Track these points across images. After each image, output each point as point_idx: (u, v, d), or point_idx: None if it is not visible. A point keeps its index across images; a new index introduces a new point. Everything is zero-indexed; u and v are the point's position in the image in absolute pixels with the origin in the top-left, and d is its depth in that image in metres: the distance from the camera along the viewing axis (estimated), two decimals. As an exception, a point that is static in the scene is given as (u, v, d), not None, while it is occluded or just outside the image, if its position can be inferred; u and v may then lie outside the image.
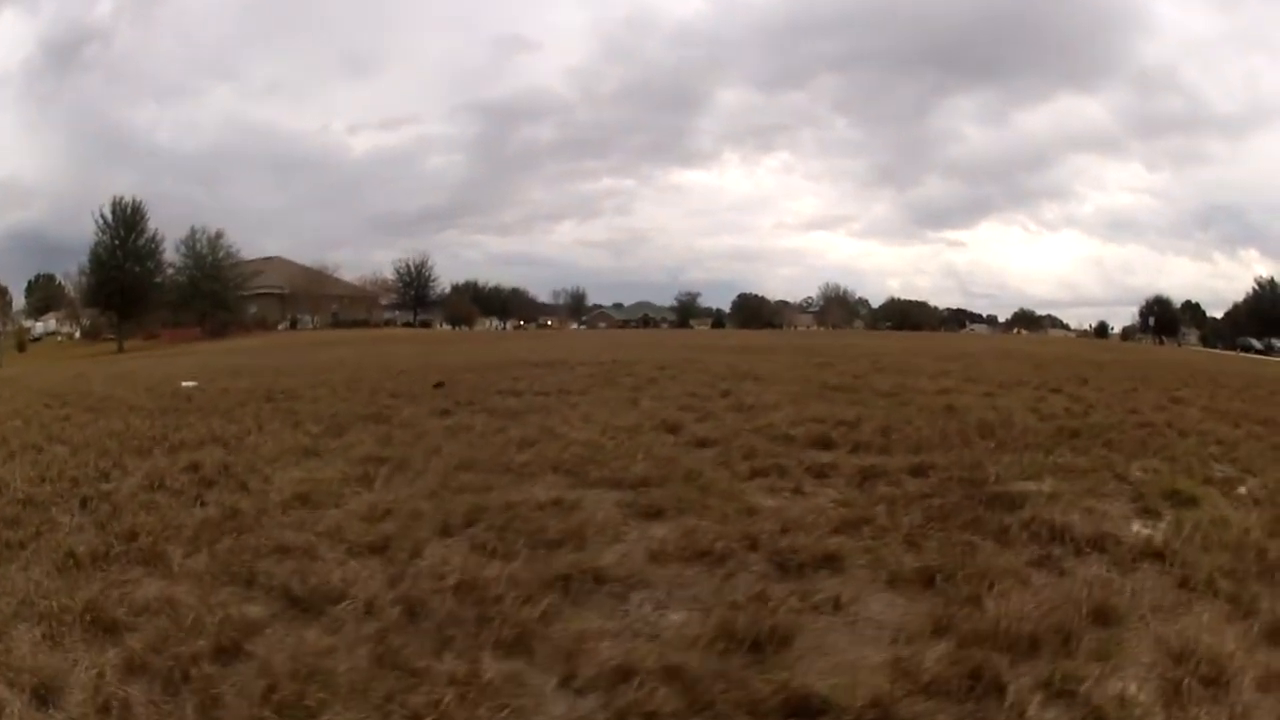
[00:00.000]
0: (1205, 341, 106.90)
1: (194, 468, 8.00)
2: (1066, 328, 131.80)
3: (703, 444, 8.75)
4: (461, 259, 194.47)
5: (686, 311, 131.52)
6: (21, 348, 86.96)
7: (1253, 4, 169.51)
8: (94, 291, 79.96)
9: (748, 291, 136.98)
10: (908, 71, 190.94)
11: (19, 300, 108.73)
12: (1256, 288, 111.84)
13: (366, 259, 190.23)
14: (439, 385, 13.82)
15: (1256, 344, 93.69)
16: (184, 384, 16.66)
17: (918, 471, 7.42)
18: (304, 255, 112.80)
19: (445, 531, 5.85)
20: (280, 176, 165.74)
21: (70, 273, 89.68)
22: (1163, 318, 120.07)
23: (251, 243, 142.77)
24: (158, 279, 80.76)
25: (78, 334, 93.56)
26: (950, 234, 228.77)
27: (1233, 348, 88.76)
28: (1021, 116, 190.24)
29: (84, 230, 78.34)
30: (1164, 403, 12.88)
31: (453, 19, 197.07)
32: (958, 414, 10.62)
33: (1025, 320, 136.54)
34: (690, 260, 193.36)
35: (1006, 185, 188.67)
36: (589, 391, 12.99)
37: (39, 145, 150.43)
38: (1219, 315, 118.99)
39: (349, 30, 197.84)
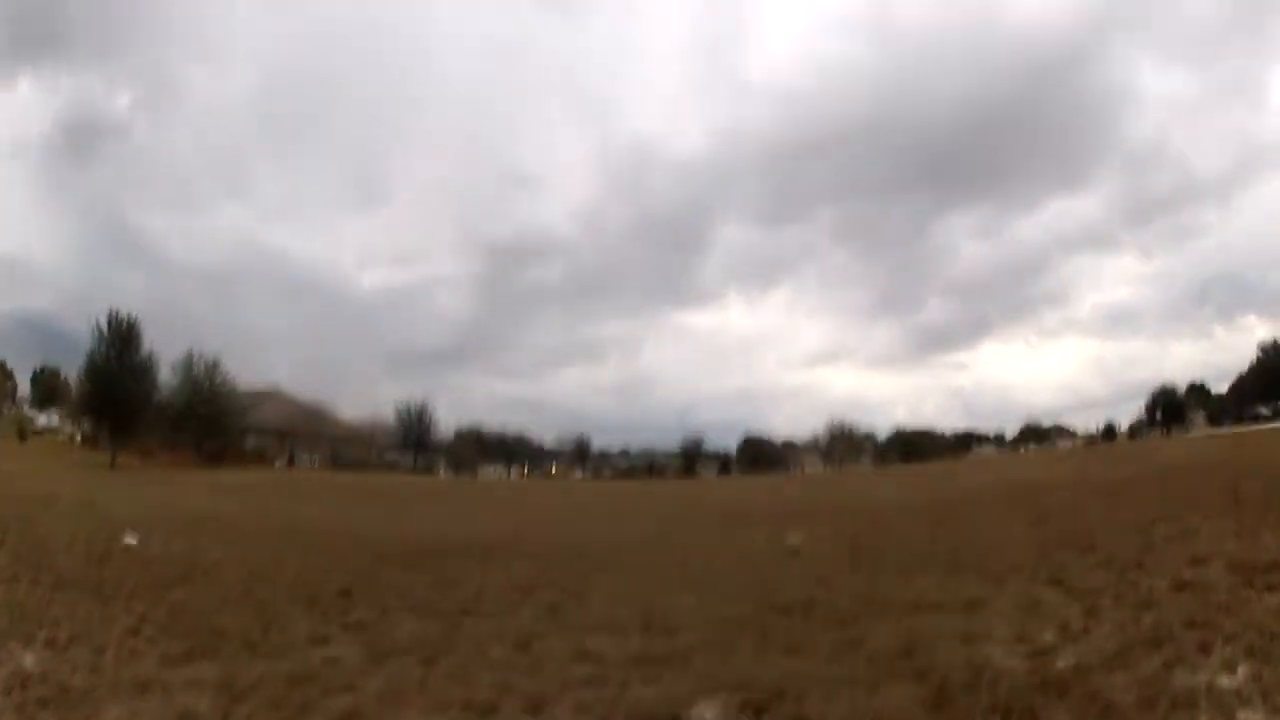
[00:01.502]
0: (1212, 421, 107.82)
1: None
2: (1073, 435, 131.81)
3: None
4: (467, 402, 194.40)
5: (693, 458, 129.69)
6: (23, 437, 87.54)
7: (1230, 56, 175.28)
8: (89, 401, 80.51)
9: (753, 433, 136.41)
10: (902, 192, 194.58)
11: (24, 387, 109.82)
12: (1260, 354, 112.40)
13: (374, 395, 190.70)
14: (345, 594, 12.97)
15: (1265, 412, 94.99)
16: (127, 539, 16.39)
17: None
18: (309, 386, 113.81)
19: None
20: (289, 302, 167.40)
21: (74, 370, 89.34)
22: (1168, 407, 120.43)
23: (255, 365, 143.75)
24: (152, 398, 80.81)
25: (78, 437, 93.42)
26: (953, 357, 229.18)
27: (1241, 421, 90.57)
28: (1016, 225, 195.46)
29: (89, 327, 78.79)
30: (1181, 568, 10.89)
31: (461, 147, 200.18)
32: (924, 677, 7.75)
33: (1032, 434, 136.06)
34: (697, 401, 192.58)
35: (1005, 298, 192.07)
36: (497, 616, 11.86)
37: (51, 228, 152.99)
38: (1224, 389, 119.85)
39: (361, 154, 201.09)
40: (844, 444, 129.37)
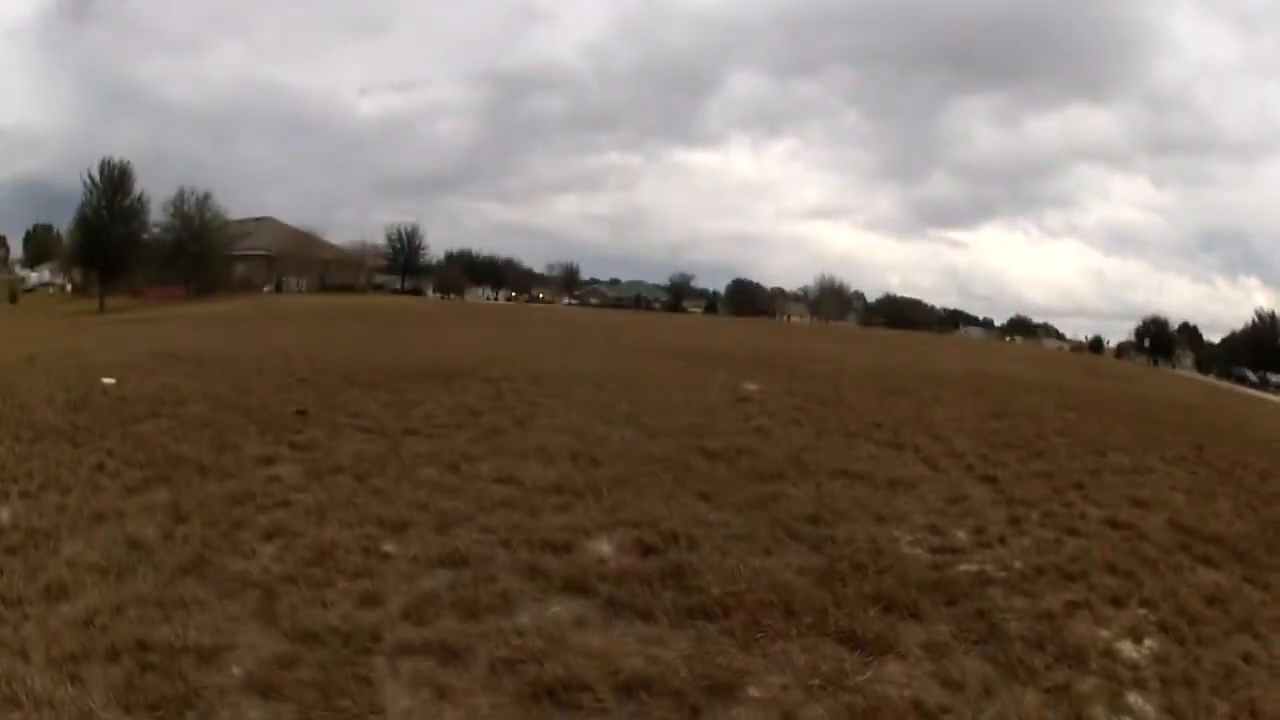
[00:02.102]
0: (1200, 367, 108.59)
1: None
2: (1062, 338, 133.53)
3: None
4: (462, 226, 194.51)
5: (679, 293, 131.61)
6: (14, 298, 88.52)
7: (1271, 32, 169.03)
8: (80, 250, 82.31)
9: (743, 277, 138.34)
10: (923, 68, 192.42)
11: (17, 249, 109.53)
12: (1256, 319, 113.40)
13: (368, 222, 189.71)
14: (300, 413, 13.30)
15: (1251, 375, 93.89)
16: (104, 380, 16.50)
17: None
18: (304, 216, 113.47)
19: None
20: (287, 135, 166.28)
21: (68, 225, 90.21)
22: (1159, 338, 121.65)
23: (252, 202, 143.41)
24: (142, 239, 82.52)
25: (69, 287, 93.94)
26: (953, 234, 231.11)
27: (1227, 376, 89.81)
28: (1032, 121, 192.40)
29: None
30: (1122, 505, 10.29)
31: None
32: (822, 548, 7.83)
33: (1021, 327, 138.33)
34: (690, 241, 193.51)
35: (1012, 189, 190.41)
36: (438, 437, 12.18)
37: (48, 94, 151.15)
38: (1216, 340, 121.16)
39: None
40: (832, 299, 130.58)
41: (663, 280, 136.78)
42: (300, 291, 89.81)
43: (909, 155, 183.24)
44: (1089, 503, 10.30)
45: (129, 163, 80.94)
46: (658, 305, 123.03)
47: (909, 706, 5.09)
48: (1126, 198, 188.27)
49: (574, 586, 6.50)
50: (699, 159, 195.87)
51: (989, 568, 7.46)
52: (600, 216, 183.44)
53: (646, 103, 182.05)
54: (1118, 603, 6.90)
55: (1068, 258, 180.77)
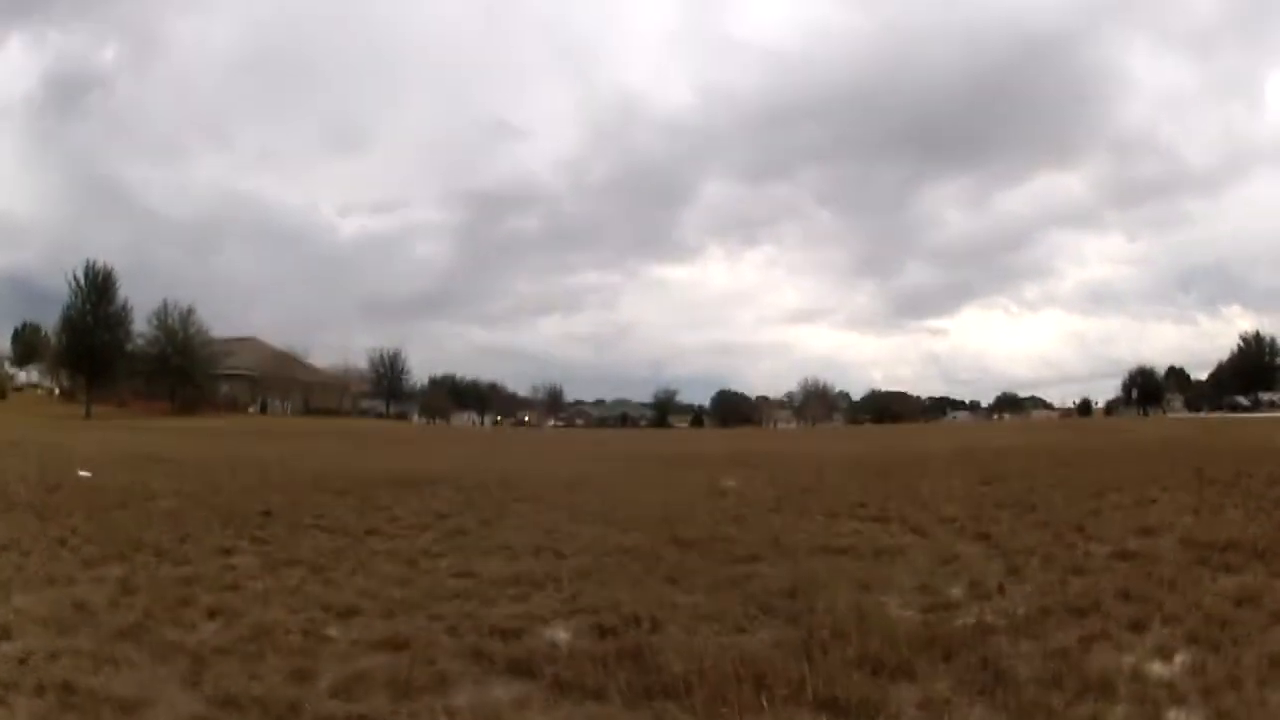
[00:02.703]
0: (1190, 406, 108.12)
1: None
2: (1050, 407, 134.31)
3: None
4: (445, 348, 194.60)
5: (665, 408, 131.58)
6: (2, 394, 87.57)
7: (1226, 52, 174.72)
8: (66, 353, 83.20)
9: (728, 388, 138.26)
10: (889, 158, 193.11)
11: (4, 345, 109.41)
12: (1241, 344, 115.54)
13: (351, 344, 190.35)
14: (266, 513, 13.46)
15: (1244, 401, 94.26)
16: (80, 472, 17.67)
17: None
18: (286, 334, 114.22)
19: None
20: (267, 251, 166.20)
21: (54, 325, 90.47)
22: (1145, 388, 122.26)
23: (234, 316, 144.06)
24: (126, 348, 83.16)
25: (56, 391, 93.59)
26: (932, 322, 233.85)
27: (1219, 409, 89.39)
28: (1001, 198, 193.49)
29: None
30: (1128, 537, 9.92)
31: (445, 100, 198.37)
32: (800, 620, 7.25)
33: (1008, 404, 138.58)
34: (672, 355, 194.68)
35: (987, 268, 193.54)
36: (401, 537, 11.66)
37: (35, 185, 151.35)
38: (1204, 377, 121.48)
39: (342, 103, 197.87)
40: (818, 401, 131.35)
41: (647, 398, 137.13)
42: (285, 413, 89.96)
43: (882, 248, 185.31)
44: (1092, 541, 9.87)
45: (112, 268, 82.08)
46: (644, 422, 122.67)
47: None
48: (1101, 255, 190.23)
49: (519, 669, 6.04)
50: (677, 273, 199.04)
51: (989, 618, 6.85)
52: (582, 336, 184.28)
53: (622, 217, 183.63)
54: (1138, 627, 6.42)
55: (1047, 327, 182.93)
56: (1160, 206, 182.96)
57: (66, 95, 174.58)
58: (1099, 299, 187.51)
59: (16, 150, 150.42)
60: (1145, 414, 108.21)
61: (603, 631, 6.85)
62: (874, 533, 11.55)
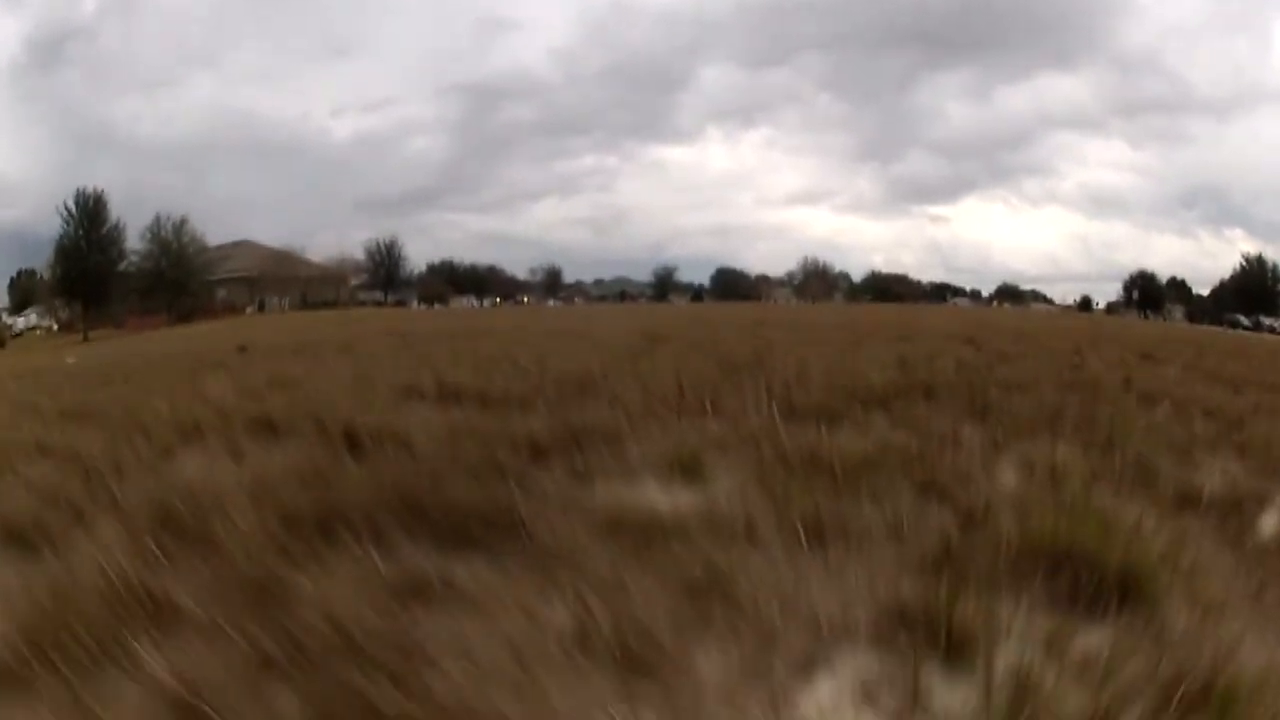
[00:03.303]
0: (1191, 318, 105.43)
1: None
2: (1050, 302, 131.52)
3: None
4: (443, 239, 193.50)
5: (664, 286, 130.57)
6: (1, 343, 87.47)
7: None
8: (60, 283, 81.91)
9: (727, 266, 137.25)
10: (892, 48, 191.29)
11: (1, 298, 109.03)
12: (1244, 264, 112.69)
13: (348, 241, 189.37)
14: (241, 349, 15.70)
15: (1245, 321, 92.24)
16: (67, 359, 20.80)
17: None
18: (280, 236, 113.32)
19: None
20: (262, 163, 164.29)
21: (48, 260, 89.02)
22: (1147, 293, 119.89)
23: (230, 229, 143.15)
24: (120, 267, 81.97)
25: (55, 326, 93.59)
26: (933, 209, 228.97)
27: (1219, 324, 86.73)
28: (1003, 93, 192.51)
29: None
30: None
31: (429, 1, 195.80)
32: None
33: (1009, 294, 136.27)
34: (672, 237, 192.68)
35: (989, 162, 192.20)
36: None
37: (23, 143, 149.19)
38: (1205, 293, 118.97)
39: (329, 13, 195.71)
40: (817, 281, 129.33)
41: (647, 277, 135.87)
42: (283, 310, 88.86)
43: (884, 135, 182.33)
44: None
45: (103, 191, 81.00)
46: (643, 300, 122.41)
47: (871, 451, 4.62)
48: (1104, 160, 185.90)
49: None
50: (675, 155, 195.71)
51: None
52: (580, 219, 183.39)
53: (619, 103, 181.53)
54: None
55: (1050, 224, 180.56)
56: (1164, 121, 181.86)
57: (48, 50, 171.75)
58: (1101, 202, 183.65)
59: (4, 114, 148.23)
60: (1146, 317, 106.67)
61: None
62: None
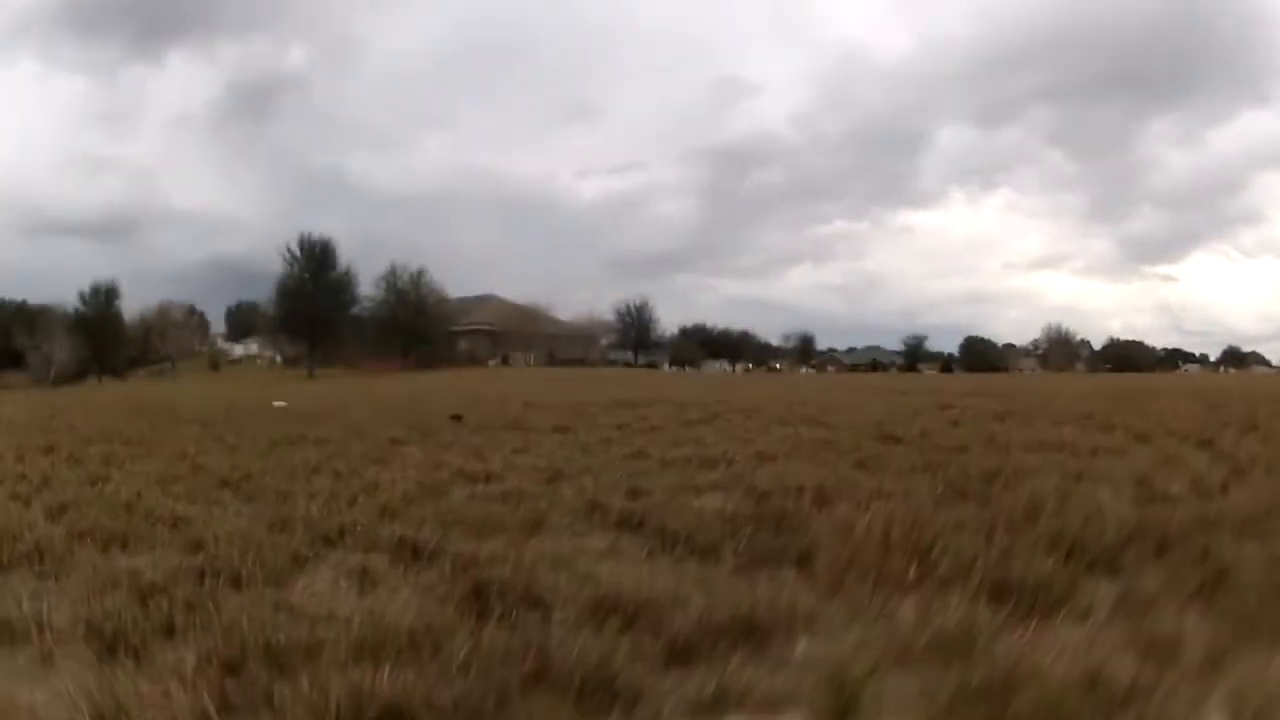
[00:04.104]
0: None
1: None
2: (1269, 364, 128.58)
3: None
4: (693, 302, 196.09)
5: (914, 355, 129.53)
6: (215, 366, 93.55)
7: None
8: (282, 320, 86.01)
9: (975, 335, 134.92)
10: (1106, 95, 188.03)
11: (219, 325, 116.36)
12: None
13: (598, 299, 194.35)
14: (456, 418, 14.80)
15: None
16: (276, 403, 19.73)
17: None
18: (526, 292, 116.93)
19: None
20: (505, 218, 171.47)
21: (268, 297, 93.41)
22: None
23: (473, 280, 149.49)
24: (351, 311, 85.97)
25: (279, 358, 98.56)
26: (1163, 268, 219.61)
27: None
28: (1213, 136, 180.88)
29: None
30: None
31: (664, 66, 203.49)
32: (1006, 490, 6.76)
33: (1233, 359, 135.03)
34: (922, 303, 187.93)
35: (1210, 212, 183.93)
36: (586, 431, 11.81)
37: (238, 182, 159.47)
38: None
39: (562, 80, 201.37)
40: (1060, 349, 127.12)
41: (897, 345, 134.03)
42: (529, 364, 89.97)
43: (1113, 190, 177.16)
44: None
45: (331, 239, 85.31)
46: (894, 369, 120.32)
47: (1074, 681, 3.15)
48: None
49: (628, 524, 5.83)
50: (921, 219, 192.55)
51: (1209, 513, 5.80)
52: (832, 285, 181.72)
53: (862, 166, 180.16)
54: None
55: (1266, 277, 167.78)
56: None
57: (256, 99, 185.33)
58: None
59: (213, 154, 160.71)
60: None
61: (757, 498, 6.45)
62: (1096, 436, 10.74)
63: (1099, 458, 8.46)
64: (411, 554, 5.03)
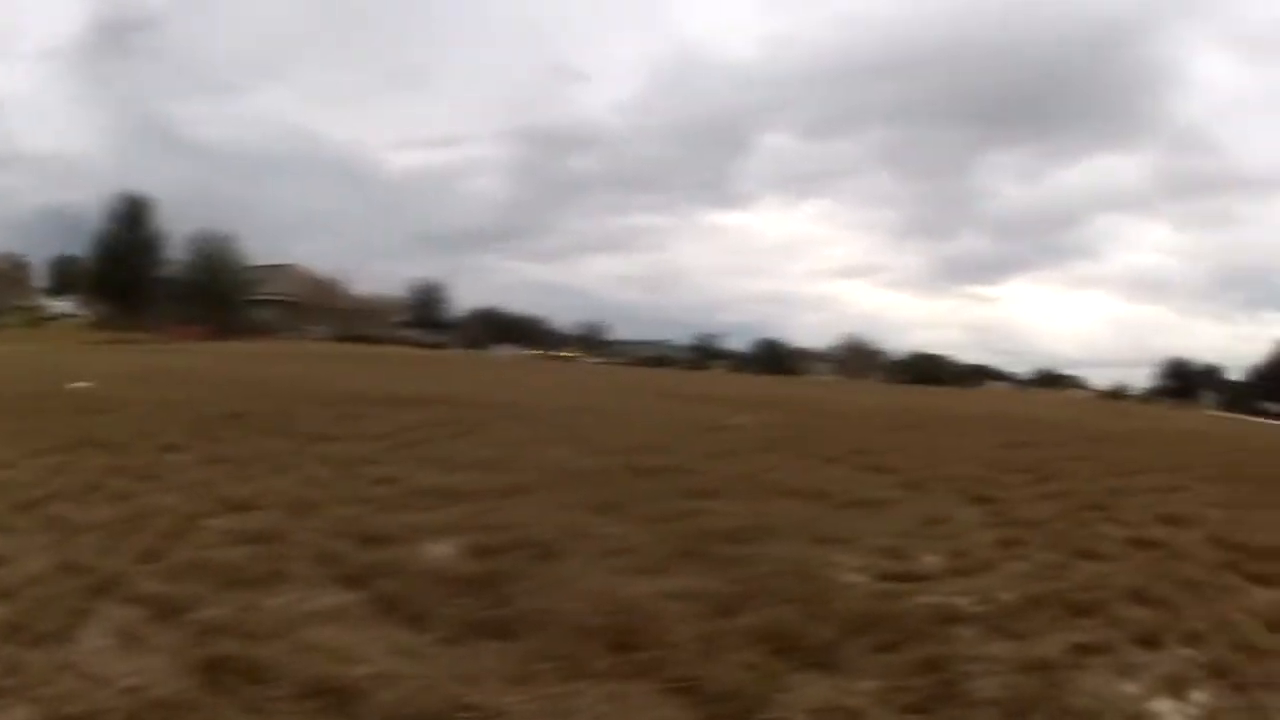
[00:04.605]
0: (1224, 405, 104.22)
1: None
2: (1084, 387, 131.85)
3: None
4: (497, 283, 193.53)
5: (706, 352, 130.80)
6: (32, 325, 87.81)
7: None
8: (98, 279, 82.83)
9: (771, 337, 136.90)
10: (953, 124, 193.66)
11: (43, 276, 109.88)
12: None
13: (401, 274, 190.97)
14: (235, 417, 13.72)
15: (1276, 408, 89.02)
16: (74, 384, 17.98)
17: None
18: (335, 265, 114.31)
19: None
20: (319, 183, 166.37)
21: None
22: (1181, 380, 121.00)
23: (281, 245, 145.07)
24: (159, 273, 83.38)
25: (90, 319, 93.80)
26: (981, 289, 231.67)
27: (1252, 412, 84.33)
28: (1057, 174, 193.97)
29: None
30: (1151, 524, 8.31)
31: (506, 42, 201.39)
32: (744, 552, 6.46)
33: (1047, 380, 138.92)
34: (721, 301, 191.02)
35: (1039, 243, 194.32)
36: (350, 442, 11.33)
37: (86, 126, 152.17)
38: (1238, 378, 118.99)
39: (402, 43, 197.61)
40: (858, 357, 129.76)
41: (691, 340, 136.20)
42: (321, 339, 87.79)
43: (938, 213, 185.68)
44: (1110, 522, 8.30)
45: (147, 196, 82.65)
46: (683, 365, 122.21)
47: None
48: (1149, 243, 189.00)
49: (355, 581, 5.36)
50: (731, 219, 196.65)
51: (961, 600, 5.41)
52: (633, 277, 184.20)
53: (681, 162, 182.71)
54: (1149, 642, 4.86)
55: (1092, 308, 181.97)
56: (1210, 203, 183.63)
57: (115, 37, 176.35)
58: (1143, 286, 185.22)
59: (68, 92, 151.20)
60: (1179, 405, 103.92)
61: (483, 553, 6.03)
62: (861, 481, 10.14)
63: (858, 513, 8.10)
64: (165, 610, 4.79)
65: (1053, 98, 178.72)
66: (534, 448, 11.44)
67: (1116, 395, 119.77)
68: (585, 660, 4.15)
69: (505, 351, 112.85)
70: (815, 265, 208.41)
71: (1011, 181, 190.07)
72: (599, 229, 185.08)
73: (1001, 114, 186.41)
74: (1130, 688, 4.26)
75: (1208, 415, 67.29)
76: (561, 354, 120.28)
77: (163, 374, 22.49)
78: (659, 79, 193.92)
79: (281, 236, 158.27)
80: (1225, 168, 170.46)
